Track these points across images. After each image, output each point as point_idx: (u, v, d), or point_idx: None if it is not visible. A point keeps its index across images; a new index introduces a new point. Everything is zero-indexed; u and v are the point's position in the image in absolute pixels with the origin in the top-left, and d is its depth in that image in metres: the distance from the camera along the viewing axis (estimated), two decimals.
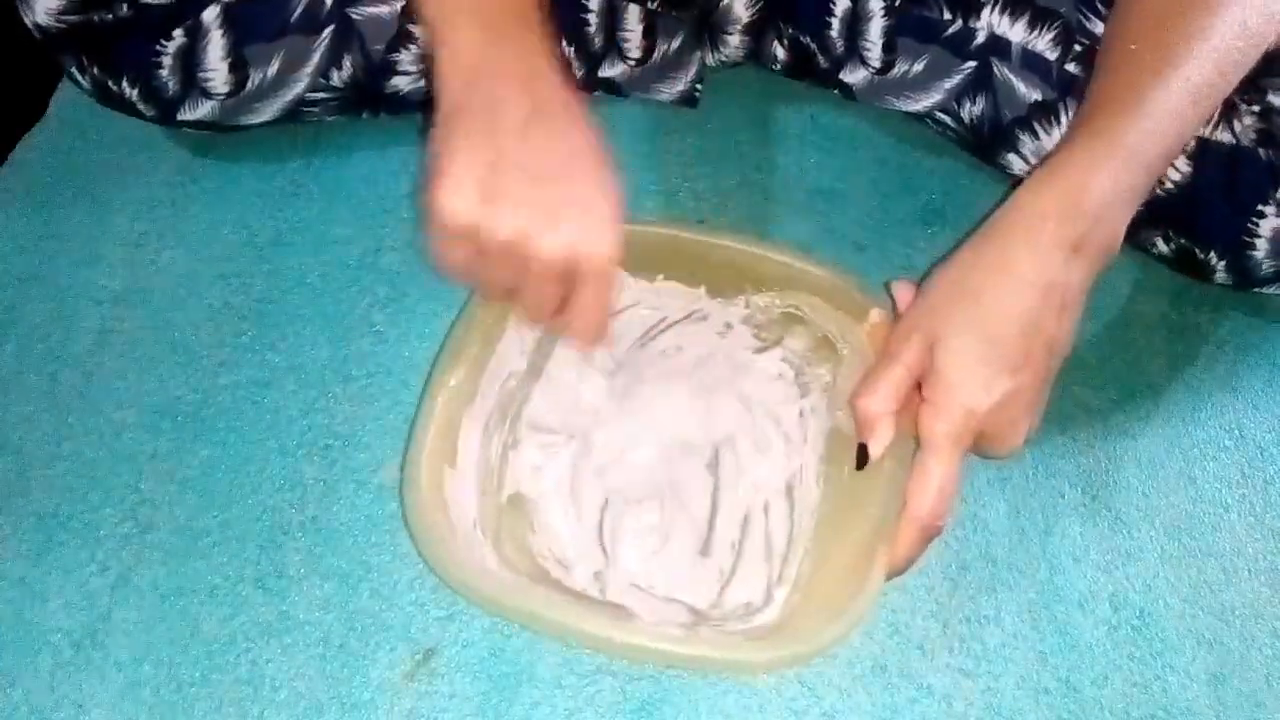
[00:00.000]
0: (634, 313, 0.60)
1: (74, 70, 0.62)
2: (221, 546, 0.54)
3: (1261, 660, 0.53)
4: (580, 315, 0.48)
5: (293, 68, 0.62)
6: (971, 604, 0.54)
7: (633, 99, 0.70)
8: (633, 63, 0.68)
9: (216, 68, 0.61)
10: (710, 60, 0.71)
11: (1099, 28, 0.59)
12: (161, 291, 0.63)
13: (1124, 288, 0.65)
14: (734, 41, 0.70)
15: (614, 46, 0.67)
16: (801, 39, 0.68)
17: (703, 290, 0.60)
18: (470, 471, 0.53)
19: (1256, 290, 0.61)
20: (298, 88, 0.63)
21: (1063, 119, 0.61)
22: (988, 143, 0.66)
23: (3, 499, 0.55)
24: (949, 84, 0.65)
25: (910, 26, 0.64)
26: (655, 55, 0.68)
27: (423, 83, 0.64)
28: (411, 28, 0.62)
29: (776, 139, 0.72)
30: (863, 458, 0.50)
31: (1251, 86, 0.56)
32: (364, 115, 0.67)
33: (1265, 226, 0.58)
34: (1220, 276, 0.61)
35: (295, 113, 0.64)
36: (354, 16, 0.61)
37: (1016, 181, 0.51)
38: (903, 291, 0.53)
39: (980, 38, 0.63)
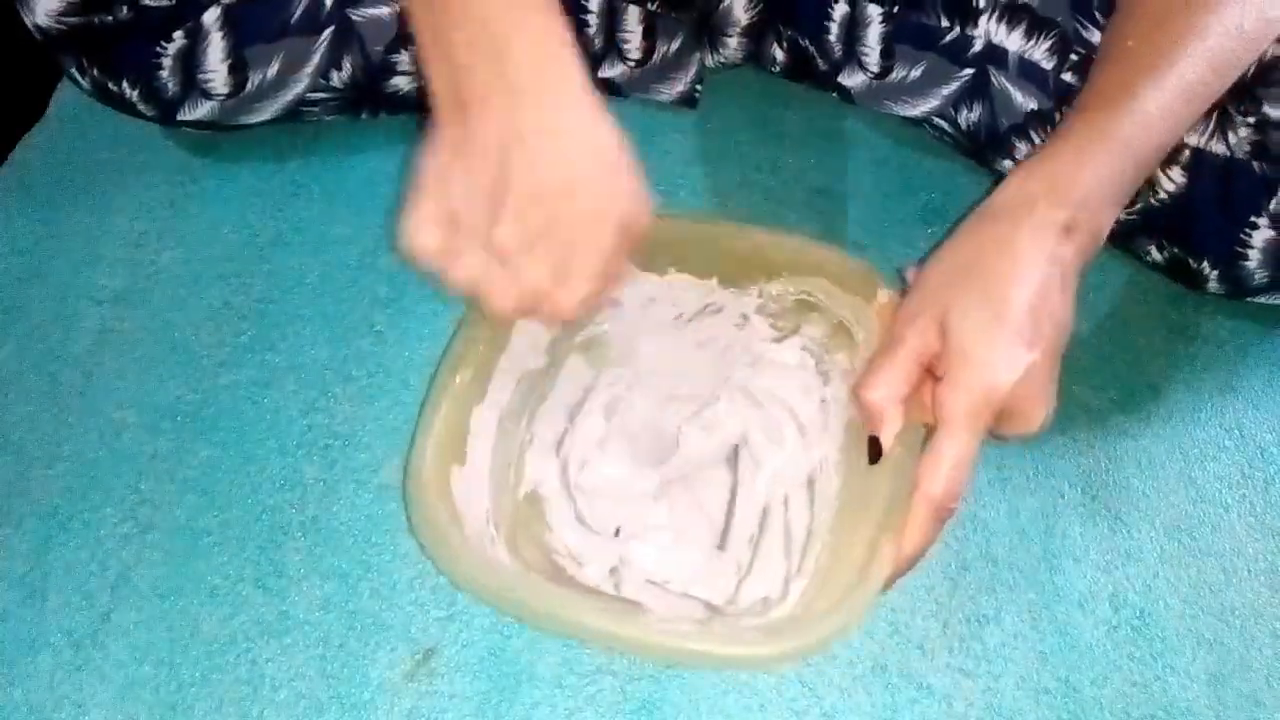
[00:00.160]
0: (650, 309, 0.59)
1: (74, 71, 0.62)
2: (221, 546, 0.53)
3: (1261, 660, 0.52)
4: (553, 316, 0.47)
5: (293, 69, 0.62)
6: (971, 604, 0.54)
7: (632, 99, 0.71)
8: (632, 64, 0.68)
9: (216, 69, 0.61)
10: (710, 62, 0.72)
11: (1096, 37, 0.59)
12: (161, 291, 0.63)
13: (1123, 288, 0.66)
14: (733, 43, 0.70)
15: (614, 47, 0.68)
16: (800, 42, 0.69)
17: (715, 281, 0.60)
18: (482, 469, 0.52)
19: (1248, 299, 0.62)
20: (298, 88, 0.63)
21: None
22: (984, 149, 0.66)
23: (3, 499, 0.55)
24: (946, 90, 0.65)
25: (908, 33, 0.64)
26: (655, 56, 0.68)
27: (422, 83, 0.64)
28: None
29: (776, 139, 0.72)
30: (875, 451, 0.49)
31: (1248, 97, 0.56)
32: (364, 115, 0.67)
33: (1258, 238, 0.58)
34: (1213, 286, 0.61)
35: (295, 113, 0.64)
36: (354, 18, 0.61)
37: None
38: (916, 275, 0.53)
39: (977, 46, 0.63)
